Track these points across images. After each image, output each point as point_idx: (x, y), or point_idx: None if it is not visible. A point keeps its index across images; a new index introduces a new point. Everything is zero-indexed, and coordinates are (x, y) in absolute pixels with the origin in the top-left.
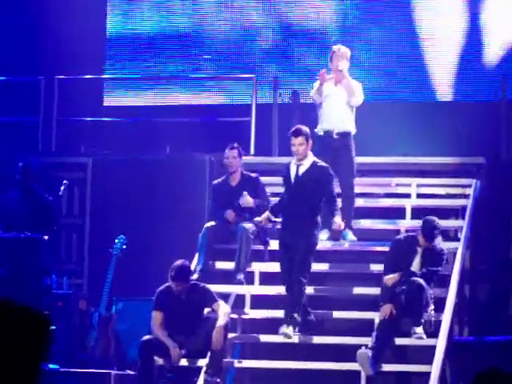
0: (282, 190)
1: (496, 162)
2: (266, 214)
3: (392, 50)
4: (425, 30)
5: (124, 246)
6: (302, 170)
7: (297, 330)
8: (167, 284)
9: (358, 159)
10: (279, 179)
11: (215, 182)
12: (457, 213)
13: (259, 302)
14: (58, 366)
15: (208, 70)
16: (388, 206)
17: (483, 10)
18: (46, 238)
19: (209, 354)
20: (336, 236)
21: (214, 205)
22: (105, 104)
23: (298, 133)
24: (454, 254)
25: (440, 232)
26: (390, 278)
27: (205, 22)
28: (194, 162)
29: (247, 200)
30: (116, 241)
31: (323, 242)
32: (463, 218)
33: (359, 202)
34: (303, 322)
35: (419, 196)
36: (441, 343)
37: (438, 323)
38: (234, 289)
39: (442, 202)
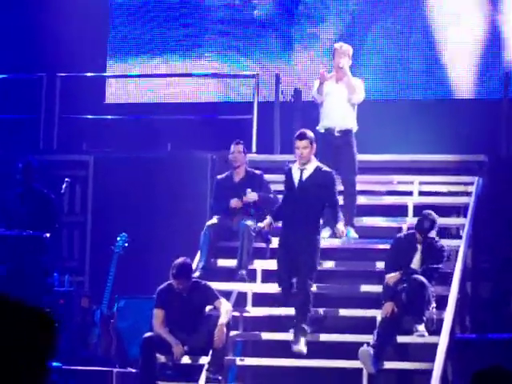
0: (283, 187)
1: (498, 160)
2: (268, 219)
3: (394, 48)
4: (426, 28)
5: (126, 244)
6: (305, 174)
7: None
8: (169, 282)
9: (360, 157)
10: (281, 177)
11: (219, 176)
12: (459, 210)
13: (261, 299)
14: (60, 364)
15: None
16: (390, 203)
17: (483, 6)
18: (47, 235)
19: (210, 351)
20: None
21: (217, 199)
22: (106, 102)
23: (302, 136)
24: (456, 252)
25: (433, 223)
26: (392, 277)
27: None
28: (196, 160)
29: (251, 195)
30: (118, 238)
31: (325, 239)
32: (465, 216)
33: (361, 200)
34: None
35: (421, 194)
36: (443, 341)
37: (440, 321)
38: (235, 286)
39: (443, 199)
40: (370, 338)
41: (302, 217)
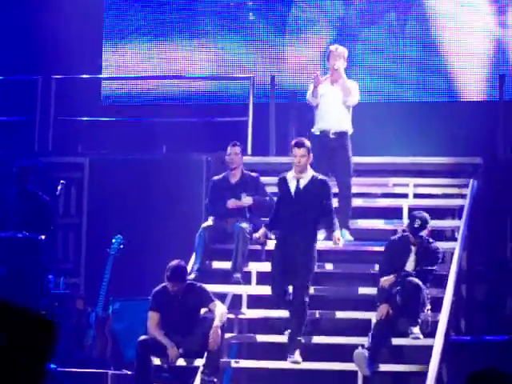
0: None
1: (493, 162)
2: (263, 230)
3: (389, 50)
4: (422, 30)
5: (121, 246)
6: (302, 183)
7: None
8: (164, 284)
9: (356, 159)
10: (276, 179)
11: (215, 177)
12: (454, 213)
13: (256, 301)
14: (55, 366)
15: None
16: (385, 205)
17: (480, 8)
18: (42, 237)
19: (206, 354)
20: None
21: (213, 200)
22: (102, 104)
23: (301, 144)
24: (451, 254)
25: (424, 223)
26: (387, 280)
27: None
28: (191, 162)
29: (246, 200)
30: (113, 240)
31: (320, 241)
32: (460, 218)
33: (356, 202)
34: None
35: (416, 196)
36: (438, 343)
37: (435, 323)
38: (230, 289)
39: (439, 201)
40: (364, 341)
41: (300, 225)
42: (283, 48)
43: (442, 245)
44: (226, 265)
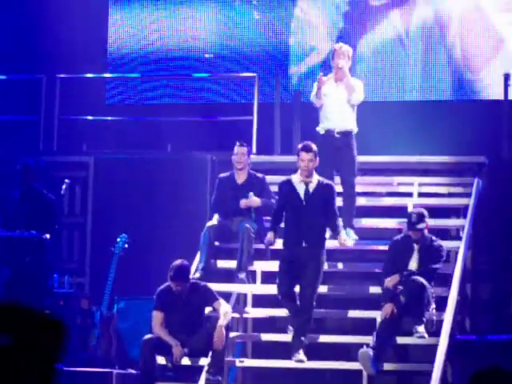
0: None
1: (498, 161)
2: (271, 234)
3: (393, 49)
4: (427, 28)
5: (126, 245)
6: (311, 187)
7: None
8: (168, 283)
9: (360, 158)
10: (282, 178)
11: (222, 175)
12: (458, 212)
13: (261, 300)
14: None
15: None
16: (390, 204)
17: (481, 6)
18: (47, 236)
19: (210, 353)
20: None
21: (218, 198)
22: (106, 103)
23: (309, 149)
24: (456, 253)
25: (421, 216)
26: (391, 280)
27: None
28: (196, 161)
29: (254, 200)
30: (118, 239)
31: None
32: (465, 217)
33: (361, 201)
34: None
35: (421, 195)
36: (442, 342)
37: (440, 322)
38: (235, 288)
39: (443, 200)
40: (369, 340)
41: (309, 229)
42: (288, 47)
43: (446, 244)
44: (231, 264)
